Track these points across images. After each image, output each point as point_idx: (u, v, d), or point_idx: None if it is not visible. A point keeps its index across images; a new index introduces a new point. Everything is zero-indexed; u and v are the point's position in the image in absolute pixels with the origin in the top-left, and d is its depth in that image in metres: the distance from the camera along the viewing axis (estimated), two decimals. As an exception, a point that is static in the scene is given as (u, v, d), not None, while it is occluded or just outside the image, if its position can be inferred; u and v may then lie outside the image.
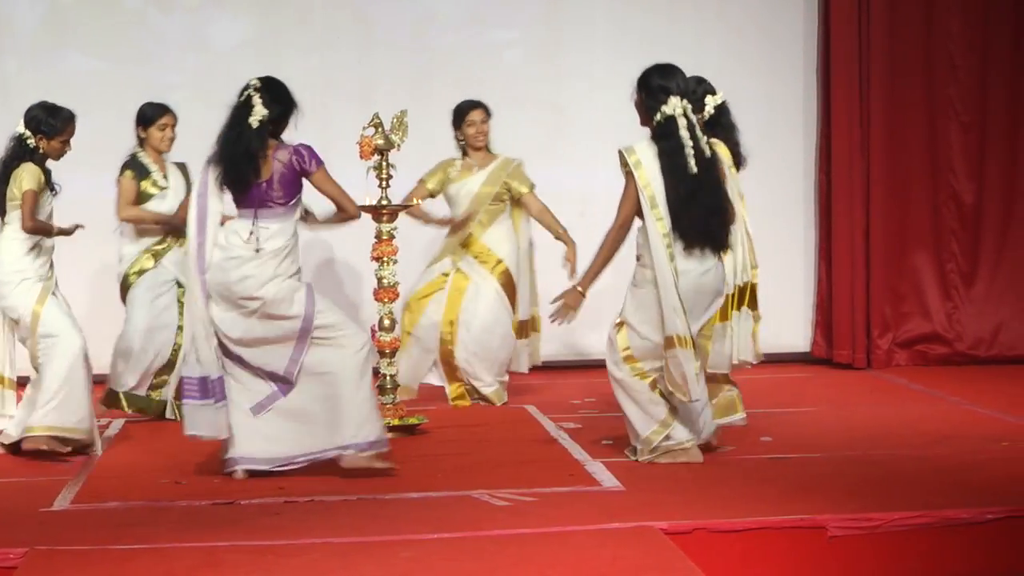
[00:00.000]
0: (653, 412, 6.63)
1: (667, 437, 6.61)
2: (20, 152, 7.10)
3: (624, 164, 6.61)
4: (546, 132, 9.83)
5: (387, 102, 7.96)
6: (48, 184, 7.17)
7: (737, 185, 7.22)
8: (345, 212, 6.59)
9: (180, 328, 7.77)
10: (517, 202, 8.51)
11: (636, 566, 5.03)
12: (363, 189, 7.70)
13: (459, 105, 8.45)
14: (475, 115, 8.41)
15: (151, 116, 8.02)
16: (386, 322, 7.60)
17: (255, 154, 6.40)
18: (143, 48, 9.71)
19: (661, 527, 5.44)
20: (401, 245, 7.70)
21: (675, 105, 6.58)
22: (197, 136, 8.91)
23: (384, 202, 7.55)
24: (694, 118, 6.63)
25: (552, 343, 9.84)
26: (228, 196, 6.52)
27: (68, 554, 5.25)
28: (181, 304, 7.77)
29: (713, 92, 7.41)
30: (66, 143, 7.21)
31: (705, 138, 6.65)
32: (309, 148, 6.47)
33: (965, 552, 5.63)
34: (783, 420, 7.82)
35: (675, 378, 6.49)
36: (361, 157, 7.61)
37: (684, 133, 6.54)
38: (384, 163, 7.52)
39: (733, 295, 7.25)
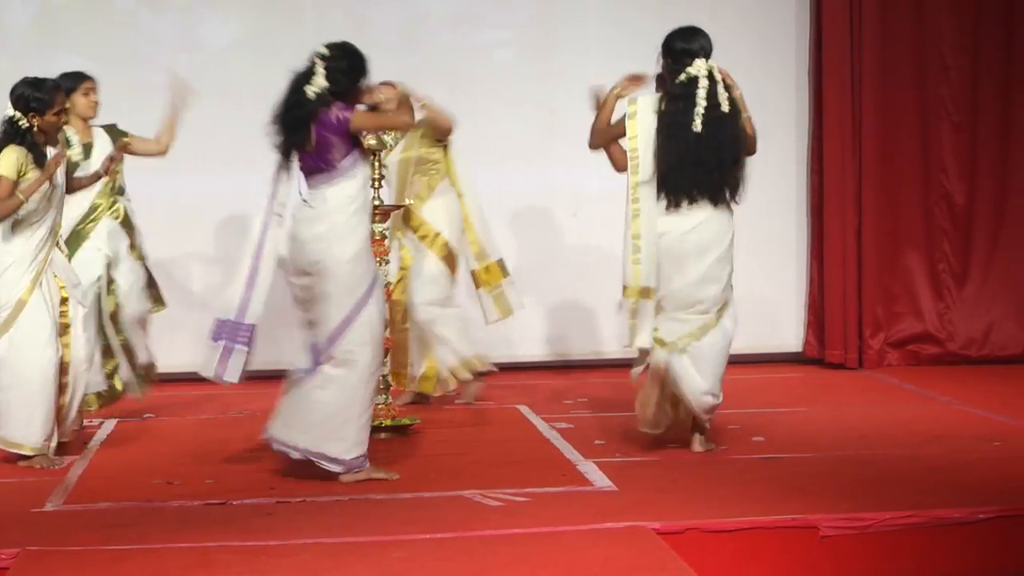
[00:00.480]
0: None
1: None
2: (13, 134, 6.85)
3: (627, 111, 6.81)
4: (539, 132, 9.83)
5: (380, 102, 7.96)
6: (38, 165, 6.84)
7: None
8: (403, 125, 6.67)
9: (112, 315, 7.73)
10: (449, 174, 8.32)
11: (628, 566, 5.03)
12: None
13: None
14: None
15: (72, 85, 7.73)
16: (378, 322, 7.59)
17: (305, 123, 6.32)
18: (135, 48, 9.70)
19: (653, 527, 5.45)
20: (394, 245, 7.70)
21: (699, 66, 6.69)
22: (188, 136, 8.95)
23: (376, 202, 7.54)
24: (719, 76, 6.71)
25: (543, 344, 9.87)
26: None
27: (60, 555, 5.24)
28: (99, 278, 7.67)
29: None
30: (59, 115, 6.98)
31: (727, 95, 6.70)
32: (338, 104, 6.33)
33: (957, 552, 5.64)
34: (775, 420, 7.83)
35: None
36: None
37: (701, 92, 6.64)
38: (376, 163, 7.51)
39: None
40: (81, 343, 7.00)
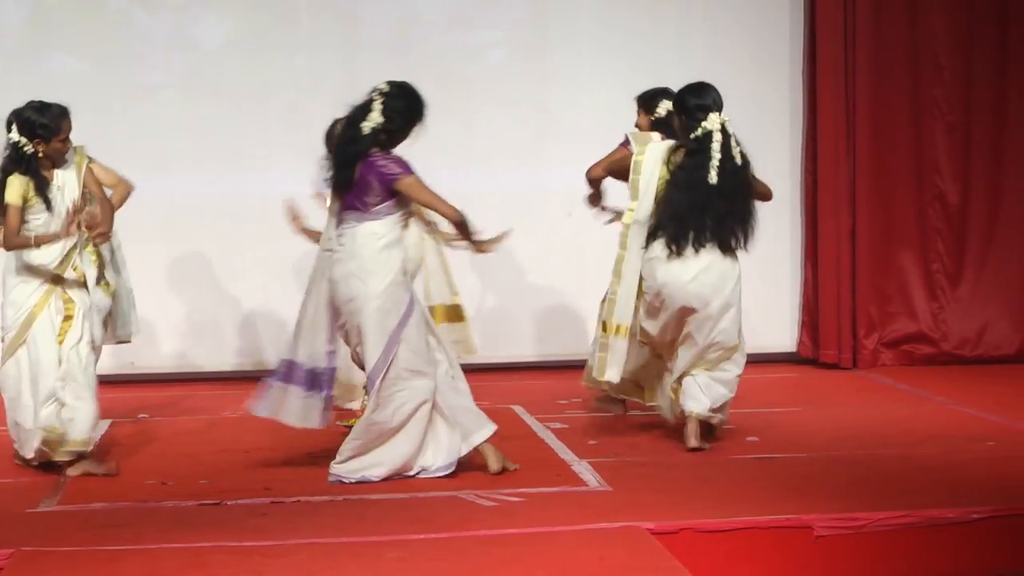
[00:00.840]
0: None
1: None
2: (17, 160, 6.64)
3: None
4: (532, 132, 9.83)
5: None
6: (43, 196, 6.65)
7: None
8: (449, 217, 6.40)
9: None
10: None
11: (622, 566, 5.04)
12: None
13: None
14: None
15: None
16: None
17: (354, 161, 6.30)
18: (129, 48, 9.69)
19: (647, 527, 5.46)
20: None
21: (714, 120, 6.84)
22: (182, 136, 8.96)
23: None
24: (731, 130, 6.87)
25: (538, 344, 9.87)
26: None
27: (54, 555, 5.24)
28: None
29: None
30: (65, 142, 6.74)
31: (739, 148, 6.86)
32: (397, 159, 6.32)
33: (951, 551, 5.65)
34: (769, 420, 7.83)
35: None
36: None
37: (716, 146, 6.79)
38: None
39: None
40: (76, 359, 6.72)
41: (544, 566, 5.05)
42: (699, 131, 6.83)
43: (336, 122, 8.19)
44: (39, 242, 6.62)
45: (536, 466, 6.68)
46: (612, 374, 6.97)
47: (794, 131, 10.04)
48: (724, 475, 6.43)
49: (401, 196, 6.34)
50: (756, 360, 9.68)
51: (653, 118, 7.48)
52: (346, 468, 6.39)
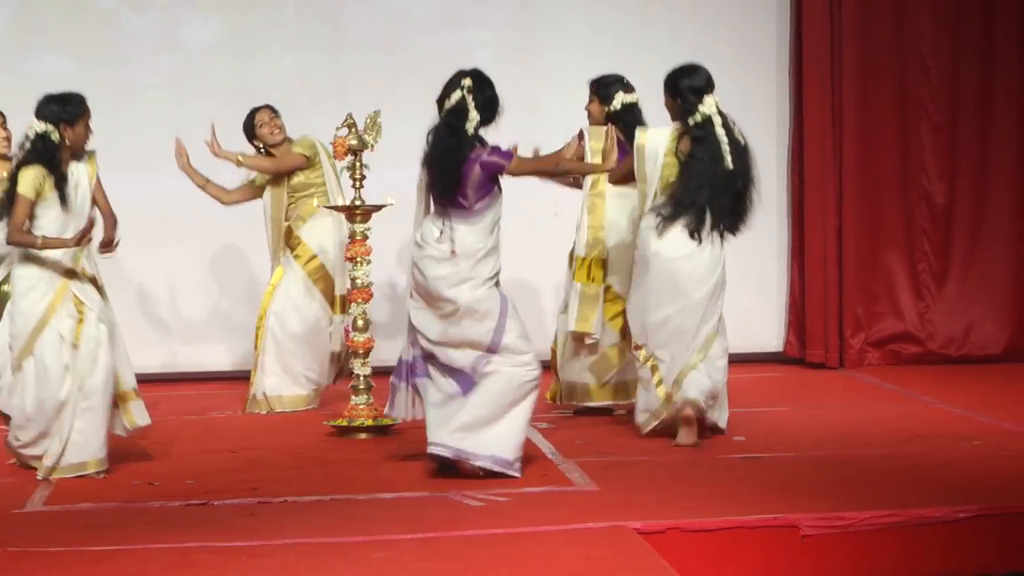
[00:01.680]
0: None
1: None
2: (43, 150, 6.54)
3: (635, 146, 7.03)
4: (520, 132, 9.79)
5: (360, 102, 7.95)
6: (60, 191, 6.54)
7: None
8: (552, 172, 6.79)
9: None
10: None
11: (609, 566, 5.04)
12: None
13: (245, 119, 8.46)
14: (262, 115, 8.37)
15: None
16: (360, 322, 7.60)
17: (463, 162, 6.32)
18: (116, 48, 9.68)
19: (634, 527, 5.46)
20: (375, 245, 7.70)
21: (709, 104, 6.88)
22: (170, 136, 8.92)
23: (358, 202, 7.55)
24: (726, 111, 6.92)
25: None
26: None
27: (41, 555, 5.23)
28: None
29: (630, 91, 7.74)
30: (87, 128, 6.71)
31: (736, 127, 6.95)
32: (495, 147, 6.40)
33: (937, 550, 5.65)
34: (756, 419, 7.84)
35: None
36: (335, 157, 7.65)
37: (720, 131, 6.85)
38: (358, 163, 7.52)
39: None
40: (101, 363, 6.67)
41: (531, 566, 5.05)
42: (698, 116, 6.85)
43: (254, 111, 8.31)
44: (46, 245, 6.52)
45: (523, 466, 6.67)
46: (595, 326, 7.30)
47: (781, 131, 10.05)
48: (711, 475, 6.43)
49: (497, 191, 6.41)
50: (743, 360, 9.71)
51: (608, 110, 7.56)
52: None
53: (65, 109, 6.61)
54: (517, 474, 6.36)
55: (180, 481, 6.48)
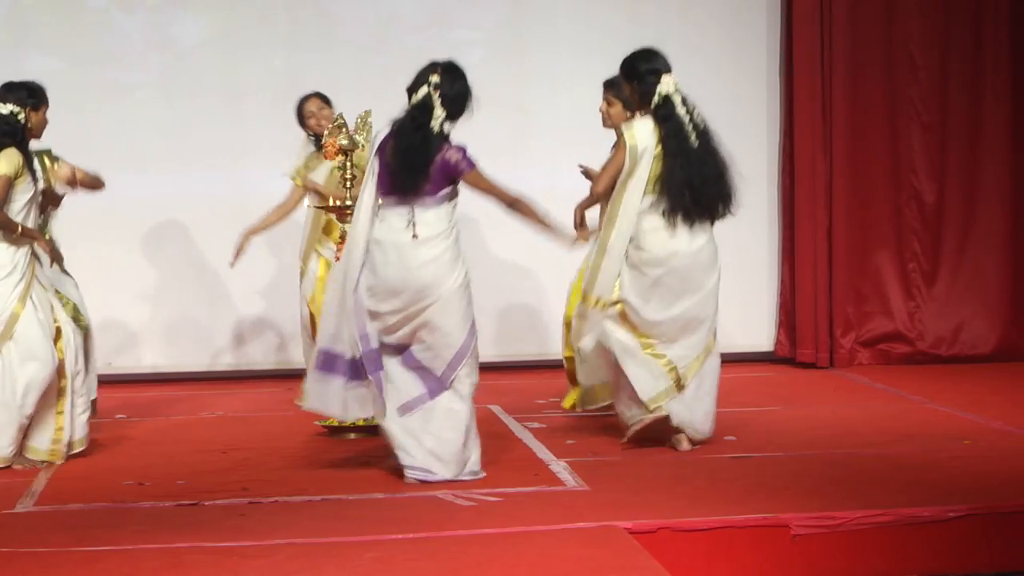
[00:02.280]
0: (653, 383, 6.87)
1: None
2: (11, 132, 6.68)
3: (620, 140, 6.84)
4: (509, 132, 9.83)
5: (351, 102, 7.94)
6: (30, 169, 6.75)
7: None
8: (506, 203, 6.49)
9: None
10: None
11: (601, 566, 5.04)
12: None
13: (297, 104, 8.28)
14: (311, 105, 8.23)
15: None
16: (350, 322, 7.58)
17: (431, 161, 6.28)
18: (106, 47, 9.67)
19: (625, 526, 5.46)
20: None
21: (668, 83, 6.78)
22: (160, 135, 8.94)
23: (349, 202, 7.53)
24: (684, 91, 6.82)
25: (516, 343, 9.87)
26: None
27: (31, 556, 5.22)
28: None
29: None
30: (45, 116, 6.87)
31: (697, 110, 6.84)
32: (464, 149, 6.36)
33: (928, 550, 5.66)
34: (747, 419, 7.85)
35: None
36: (325, 157, 7.64)
37: (681, 110, 6.76)
38: (348, 163, 7.51)
39: None
40: (71, 346, 6.85)
41: (522, 566, 5.05)
42: (657, 97, 6.78)
43: (304, 100, 8.22)
44: (25, 233, 6.67)
45: (514, 466, 6.68)
46: (586, 342, 6.94)
47: (771, 131, 10.06)
48: (702, 474, 6.43)
49: (456, 184, 6.38)
50: (734, 360, 9.71)
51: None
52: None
53: (31, 95, 6.81)
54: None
55: (171, 482, 6.47)
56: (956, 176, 9.96)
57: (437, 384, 6.34)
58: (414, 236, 6.25)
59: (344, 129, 7.48)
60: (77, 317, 7.37)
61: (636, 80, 6.86)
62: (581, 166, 7.65)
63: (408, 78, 9.29)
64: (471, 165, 6.35)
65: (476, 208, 8.73)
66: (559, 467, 6.62)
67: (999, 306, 9.98)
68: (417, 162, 6.28)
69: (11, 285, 6.70)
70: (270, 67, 9.67)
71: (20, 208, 6.75)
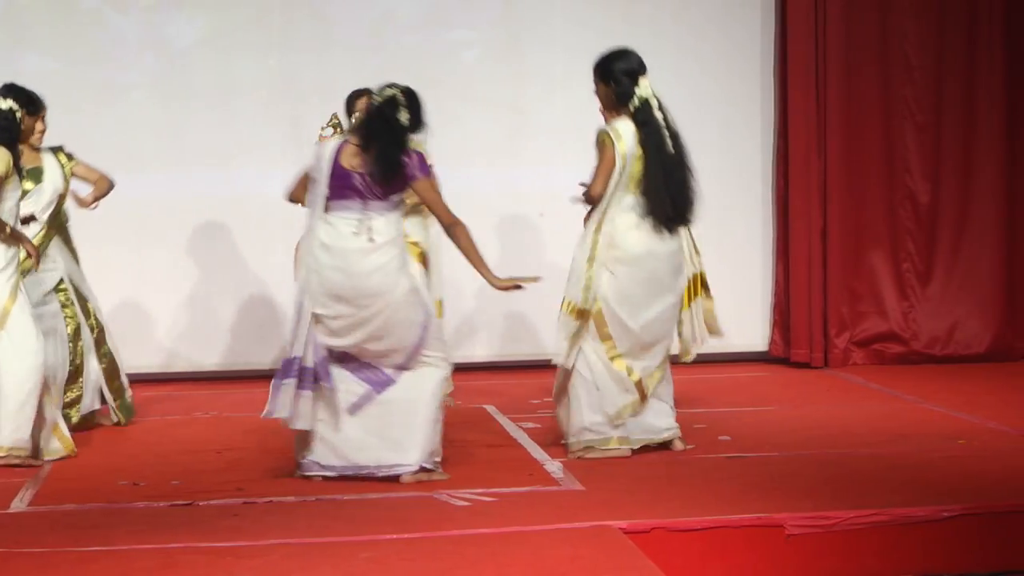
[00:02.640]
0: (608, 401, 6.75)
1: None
2: (6, 127, 6.85)
3: (605, 139, 6.70)
4: (505, 132, 9.84)
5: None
6: (17, 169, 6.88)
7: None
8: (445, 222, 6.43)
9: (74, 333, 7.59)
10: None
11: (595, 565, 5.04)
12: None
13: (350, 94, 8.22)
14: (363, 103, 8.10)
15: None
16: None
17: (405, 148, 6.31)
18: (100, 48, 9.66)
19: (620, 526, 5.46)
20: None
21: (645, 86, 6.73)
22: (155, 135, 8.93)
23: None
24: (658, 95, 6.77)
25: (511, 343, 9.87)
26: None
27: (25, 556, 5.22)
28: (67, 305, 7.59)
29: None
30: (35, 127, 7.07)
31: (670, 113, 6.78)
32: (422, 156, 6.37)
33: (922, 550, 5.67)
34: (741, 419, 7.85)
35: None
36: (320, 157, 7.61)
37: (658, 114, 6.71)
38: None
39: (689, 287, 7.26)
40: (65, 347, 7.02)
41: (516, 565, 5.05)
42: (636, 100, 6.71)
43: (356, 95, 8.19)
44: (14, 235, 6.80)
45: (509, 466, 6.68)
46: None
47: (766, 131, 10.06)
48: (696, 474, 6.44)
49: (404, 191, 6.38)
50: (728, 359, 9.75)
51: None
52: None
53: (31, 101, 7.02)
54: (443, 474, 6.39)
55: (165, 482, 6.47)
56: (950, 176, 9.96)
57: (384, 378, 6.34)
58: (370, 240, 6.26)
59: (339, 128, 7.49)
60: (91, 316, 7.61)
61: (612, 82, 6.79)
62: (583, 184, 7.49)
63: (404, 79, 9.27)
64: (426, 172, 6.36)
65: (471, 210, 8.78)
66: (554, 467, 6.62)
67: (993, 306, 9.99)
68: (392, 156, 6.28)
69: (4, 279, 6.77)
70: (265, 67, 9.67)
71: (10, 208, 6.87)
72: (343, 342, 6.34)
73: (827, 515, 5.65)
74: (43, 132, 7.59)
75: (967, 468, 6.46)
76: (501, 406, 8.26)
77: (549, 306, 9.57)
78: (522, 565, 5.05)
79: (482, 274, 6.43)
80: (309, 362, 6.31)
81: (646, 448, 6.86)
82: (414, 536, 5.40)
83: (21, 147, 7.16)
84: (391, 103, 6.36)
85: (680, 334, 7.18)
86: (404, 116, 6.33)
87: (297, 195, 6.57)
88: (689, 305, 7.20)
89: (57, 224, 7.64)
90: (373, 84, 9.46)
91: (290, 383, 6.32)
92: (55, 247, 7.62)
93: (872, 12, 9.83)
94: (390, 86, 6.45)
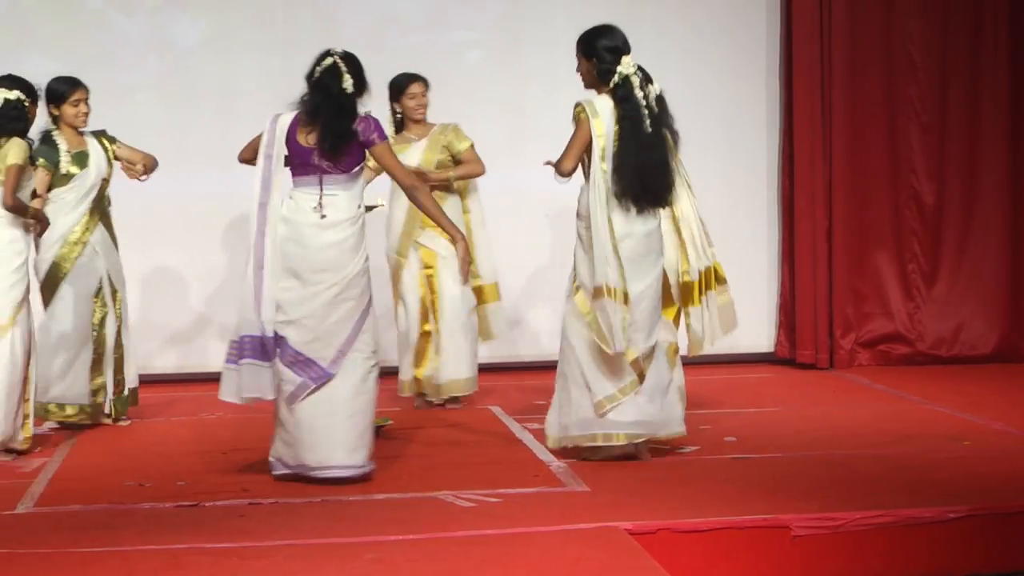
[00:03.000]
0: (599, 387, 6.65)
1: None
2: (17, 118, 7.14)
3: (580, 113, 6.64)
4: (508, 133, 9.82)
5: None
6: (30, 159, 7.13)
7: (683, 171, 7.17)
8: (405, 184, 6.52)
9: (99, 321, 7.76)
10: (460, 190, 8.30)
11: (601, 566, 5.04)
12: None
13: (397, 78, 8.28)
14: (416, 87, 8.27)
15: (62, 92, 7.77)
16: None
17: (353, 121, 6.32)
18: (104, 49, 9.66)
19: (626, 527, 5.46)
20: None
21: (627, 64, 6.66)
22: (160, 135, 8.92)
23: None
24: (645, 72, 6.70)
25: (516, 344, 9.86)
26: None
27: (31, 557, 5.22)
28: (96, 295, 7.75)
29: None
30: (32, 117, 7.29)
31: (653, 91, 6.68)
32: (376, 120, 6.40)
33: (928, 551, 5.66)
34: (747, 420, 7.84)
35: (601, 328, 6.53)
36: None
37: (639, 92, 6.63)
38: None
39: (700, 281, 7.23)
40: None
41: (522, 567, 5.04)
42: (617, 77, 6.64)
43: (410, 78, 8.24)
44: (34, 216, 7.16)
45: (514, 467, 6.67)
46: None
47: (771, 132, 10.06)
48: (702, 475, 6.43)
49: (363, 158, 6.39)
50: (733, 360, 9.74)
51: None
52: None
53: (31, 92, 7.25)
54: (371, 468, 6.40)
55: (171, 482, 6.47)
56: (955, 176, 9.95)
57: (321, 372, 6.32)
58: (322, 216, 6.27)
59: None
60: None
61: (594, 57, 6.72)
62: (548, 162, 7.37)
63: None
64: (383, 137, 6.39)
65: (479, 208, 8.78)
66: (559, 468, 6.61)
67: (999, 306, 9.98)
68: (343, 126, 6.29)
69: (26, 263, 7.10)
70: (268, 68, 9.65)
71: (25, 197, 7.11)
72: (286, 317, 6.31)
73: (833, 516, 5.64)
74: (86, 114, 7.79)
75: (973, 469, 6.45)
76: (507, 407, 8.26)
77: (550, 307, 9.61)
78: (528, 566, 5.05)
79: (446, 231, 6.63)
80: (270, 332, 6.32)
81: (657, 451, 6.85)
82: (419, 537, 5.40)
83: (67, 131, 7.63)
84: (332, 72, 6.37)
85: (689, 327, 7.15)
86: (348, 83, 6.35)
87: (247, 156, 6.61)
88: (700, 300, 7.17)
89: (100, 209, 7.76)
90: (373, 84, 9.49)
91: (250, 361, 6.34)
92: (99, 236, 7.75)
93: (876, 12, 9.83)
94: (327, 55, 6.45)
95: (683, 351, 7.25)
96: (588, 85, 6.80)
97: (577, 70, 6.84)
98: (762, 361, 10.06)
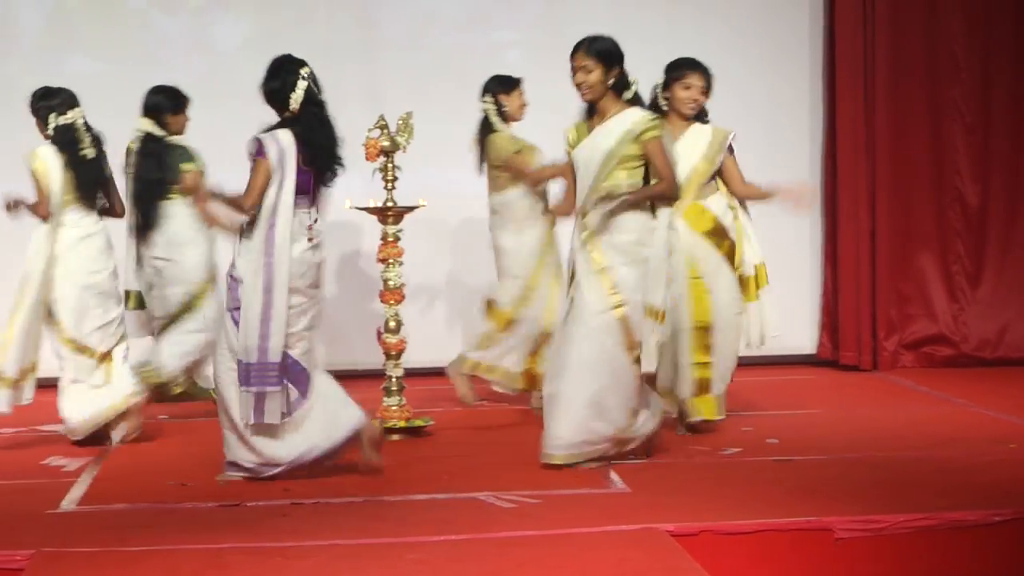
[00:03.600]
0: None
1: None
2: (73, 140, 7.56)
3: (656, 129, 6.64)
4: (548, 133, 9.76)
5: (391, 103, 7.96)
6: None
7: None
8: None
9: None
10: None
11: (642, 568, 5.02)
12: (368, 191, 7.71)
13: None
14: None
15: (182, 104, 8.31)
16: (392, 324, 7.59)
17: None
18: (147, 50, 9.71)
19: (667, 529, 5.44)
20: (407, 247, 7.69)
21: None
22: (200, 137, 8.94)
23: (390, 204, 7.55)
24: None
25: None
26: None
27: (74, 556, 5.25)
28: None
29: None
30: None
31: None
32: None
33: (972, 554, 5.62)
34: (789, 422, 7.81)
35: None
36: (367, 159, 7.60)
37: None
38: (389, 165, 7.51)
39: (755, 276, 7.26)
40: None
41: (563, 568, 5.04)
42: (634, 84, 6.82)
43: (516, 81, 8.30)
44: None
45: (555, 467, 6.66)
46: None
47: (813, 132, 10.02)
48: (744, 477, 6.41)
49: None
50: (776, 362, 9.70)
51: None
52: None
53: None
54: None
55: (213, 482, 6.49)
56: (999, 177, 9.90)
57: (306, 381, 6.44)
58: (309, 240, 6.46)
59: (386, 130, 7.48)
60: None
61: (621, 66, 6.73)
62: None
63: (447, 79, 9.30)
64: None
65: (479, 210, 8.77)
66: (601, 468, 6.60)
67: (1043, 308, 9.93)
68: (339, 154, 6.58)
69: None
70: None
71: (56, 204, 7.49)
72: (291, 330, 6.43)
73: (876, 519, 5.61)
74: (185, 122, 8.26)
75: (1018, 472, 6.41)
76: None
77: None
78: (569, 568, 5.04)
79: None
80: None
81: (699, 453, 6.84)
82: (460, 538, 5.40)
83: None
84: (312, 94, 6.64)
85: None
86: (325, 103, 6.59)
87: (261, 186, 6.55)
88: (757, 295, 7.20)
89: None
90: (415, 85, 9.54)
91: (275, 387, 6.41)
92: None
93: (920, 12, 9.78)
94: (294, 71, 6.70)
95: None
96: (594, 96, 6.76)
97: (581, 78, 6.80)
98: (805, 363, 10.02)
